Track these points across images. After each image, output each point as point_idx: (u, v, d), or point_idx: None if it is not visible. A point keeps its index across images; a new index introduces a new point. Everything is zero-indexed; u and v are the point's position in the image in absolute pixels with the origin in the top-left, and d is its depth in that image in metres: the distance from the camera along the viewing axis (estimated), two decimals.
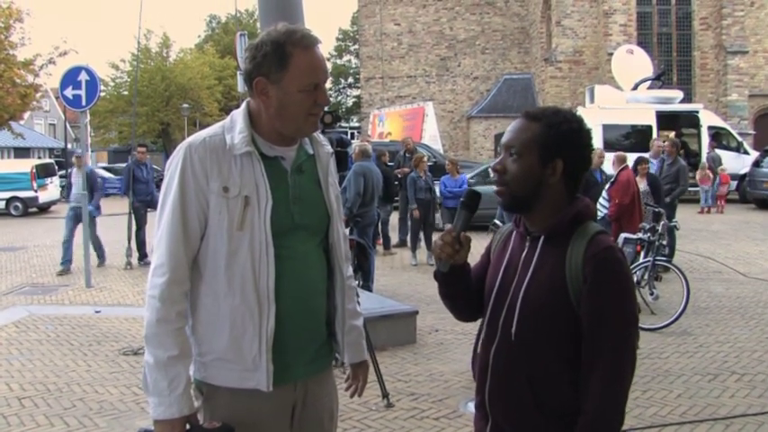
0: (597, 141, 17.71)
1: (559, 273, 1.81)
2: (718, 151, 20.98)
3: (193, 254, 2.01)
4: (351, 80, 51.92)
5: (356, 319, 2.30)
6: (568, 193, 1.89)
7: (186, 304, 2.02)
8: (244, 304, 1.98)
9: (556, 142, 1.84)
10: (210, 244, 2.00)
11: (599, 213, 8.50)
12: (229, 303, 1.99)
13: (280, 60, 1.96)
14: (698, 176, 19.09)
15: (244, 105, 2.10)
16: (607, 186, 9.00)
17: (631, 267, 7.24)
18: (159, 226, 2.01)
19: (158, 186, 10.58)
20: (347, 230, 6.87)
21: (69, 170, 12.58)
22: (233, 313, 1.99)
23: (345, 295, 2.22)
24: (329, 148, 2.24)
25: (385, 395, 5.06)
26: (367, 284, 8.38)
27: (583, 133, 1.89)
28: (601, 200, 8.98)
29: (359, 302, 2.38)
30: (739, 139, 22.69)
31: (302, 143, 2.15)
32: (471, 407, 4.84)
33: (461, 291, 2.04)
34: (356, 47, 40.09)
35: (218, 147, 2.00)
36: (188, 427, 1.95)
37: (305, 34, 2.00)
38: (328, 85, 2.09)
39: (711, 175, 19.14)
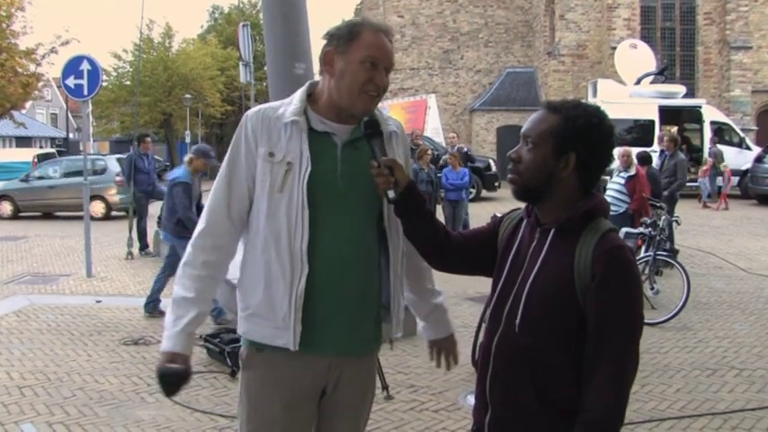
0: None
1: (568, 268, 1.80)
2: (720, 147, 20.95)
3: (240, 213, 2.16)
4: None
5: (436, 297, 2.45)
6: (582, 187, 1.88)
7: (217, 257, 2.16)
8: (278, 262, 2.08)
9: (571, 135, 1.83)
10: (255, 204, 2.15)
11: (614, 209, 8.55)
12: (265, 260, 2.10)
13: (350, 34, 2.10)
14: (700, 171, 19.18)
15: (305, 86, 2.23)
16: (623, 182, 8.97)
17: None
18: None
19: (160, 177, 10.56)
20: None
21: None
22: (268, 269, 2.10)
23: (402, 273, 2.26)
24: (392, 127, 2.26)
25: (385, 387, 5.06)
26: None
27: (602, 129, 1.86)
28: (614, 194, 8.96)
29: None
30: (741, 134, 22.64)
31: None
32: (471, 399, 4.85)
33: (422, 223, 2.11)
34: None
35: (270, 116, 2.15)
36: (173, 365, 2.06)
37: (379, 22, 2.20)
38: None
39: (711, 169, 19.21)
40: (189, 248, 2.17)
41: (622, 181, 9.01)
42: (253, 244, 2.15)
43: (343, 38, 2.10)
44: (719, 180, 19.52)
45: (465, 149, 13.81)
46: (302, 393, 2.15)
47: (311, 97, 2.18)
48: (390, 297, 2.23)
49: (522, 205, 2.01)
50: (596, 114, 1.87)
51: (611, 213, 2.03)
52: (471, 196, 15.86)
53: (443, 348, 2.49)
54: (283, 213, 2.07)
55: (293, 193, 2.07)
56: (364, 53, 2.08)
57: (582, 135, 1.83)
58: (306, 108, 2.14)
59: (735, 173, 20.22)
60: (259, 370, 2.16)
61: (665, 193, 10.05)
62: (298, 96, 2.17)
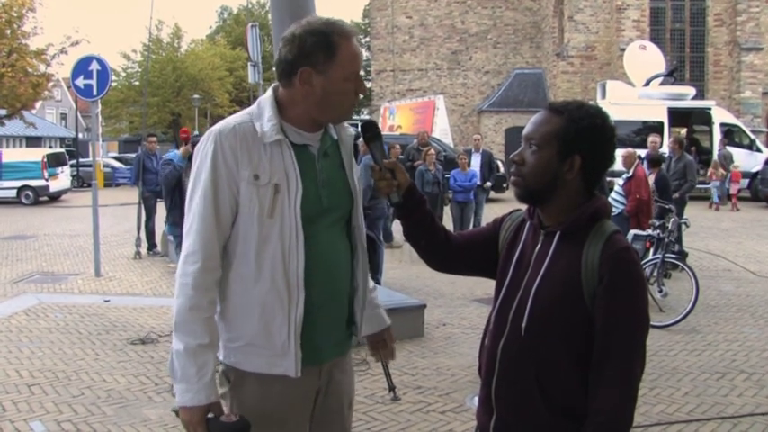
0: None
1: (574, 270, 1.79)
2: (729, 149, 20.84)
3: (225, 241, 2.02)
4: (362, 72, 51.89)
5: (372, 292, 2.34)
6: (586, 189, 1.87)
7: (217, 292, 2.03)
8: (274, 291, 1.99)
9: (576, 137, 1.81)
10: (241, 231, 2.01)
11: (613, 210, 8.50)
12: (259, 289, 2.00)
13: (327, 50, 1.99)
14: (708, 173, 19.06)
15: (270, 92, 2.10)
16: (622, 182, 8.97)
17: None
18: (189, 213, 2.02)
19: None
20: None
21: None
22: (263, 299, 2.00)
23: (367, 275, 2.24)
24: (352, 131, 2.26)
25: (392, 388, 5.06)
26: (376, 277, 8.39)
27: (606, 130, 1.85)
28: (615, 195, 8.95)
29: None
30: (752, 136, 22.51)
31: (327, 128, 2.16)
32: (477, 401, 4.84)
33: (423, 224, 2.10)
34: (367, 39, 40.06)
35: (247, 134, 2.00)
36: (210, 415, 1.95)
37: (345, 24, 2.06)
38: None
39: (723, 172, 19.09)
40: (190, 291, 1.95)
41: (622, 182, 9.00)
42: (240, 273, 2.02)
43: (322, 54, 1.98)
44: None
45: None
46: (299, 405, 2.11)
47: (277, 105, 2.07)
48: (359, 296, 2.22)
49: (523, 206, 2.00)
50: (599, 115, 1.85)
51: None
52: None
53: (379, 342, 2.40)
54: (276, 240, 1.98)
55: (285, 217, 1.98)
56: (348, 70, 2.02)
57: (587, 137, 1.82)
58: (281, 121, 2.04)
59: (744, 175, 20.11)
60: (252, 389, 2.07)
61: (677, 195, 10.01)
62: (269, 109, 2.04)
